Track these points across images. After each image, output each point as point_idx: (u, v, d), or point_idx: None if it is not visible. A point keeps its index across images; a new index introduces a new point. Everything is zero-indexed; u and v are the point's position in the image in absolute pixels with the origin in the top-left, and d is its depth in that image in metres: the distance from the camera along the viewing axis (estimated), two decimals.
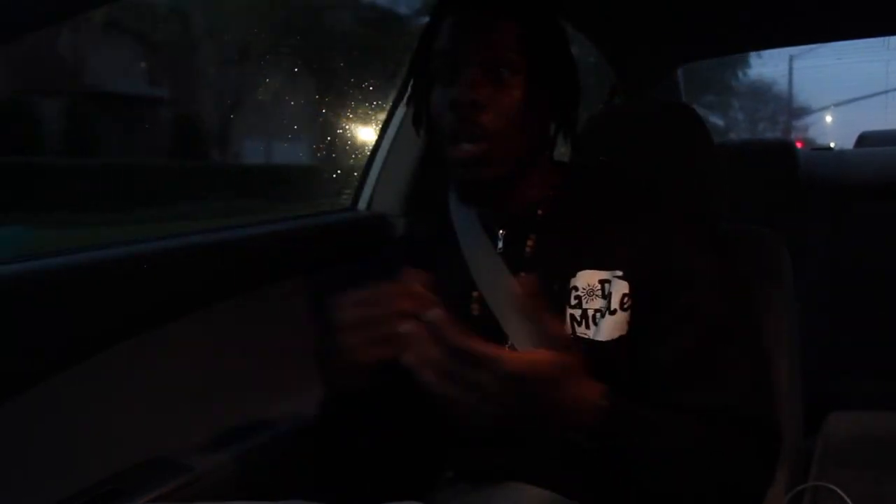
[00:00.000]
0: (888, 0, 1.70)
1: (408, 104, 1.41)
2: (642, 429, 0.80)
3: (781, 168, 2.14)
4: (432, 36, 0.92)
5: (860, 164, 2.42)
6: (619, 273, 0.87)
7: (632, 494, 0.82)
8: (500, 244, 0.94)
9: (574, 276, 0.89)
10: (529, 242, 0.93)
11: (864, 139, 6.03)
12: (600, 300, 0.87)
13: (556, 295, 0.88)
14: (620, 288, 0.87)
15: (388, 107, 1.56)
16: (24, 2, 0.71)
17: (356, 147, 1.96)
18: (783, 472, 0.96)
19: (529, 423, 0.75)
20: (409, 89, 1.00)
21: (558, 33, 0.93)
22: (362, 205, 1.53)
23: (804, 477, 1.07)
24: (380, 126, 1.56)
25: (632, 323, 0.86)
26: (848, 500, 0.98)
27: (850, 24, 2.00)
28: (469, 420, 0.73)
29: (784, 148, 2.20)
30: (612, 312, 0.86)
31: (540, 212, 0.94)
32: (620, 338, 0.86)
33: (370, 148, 1.58)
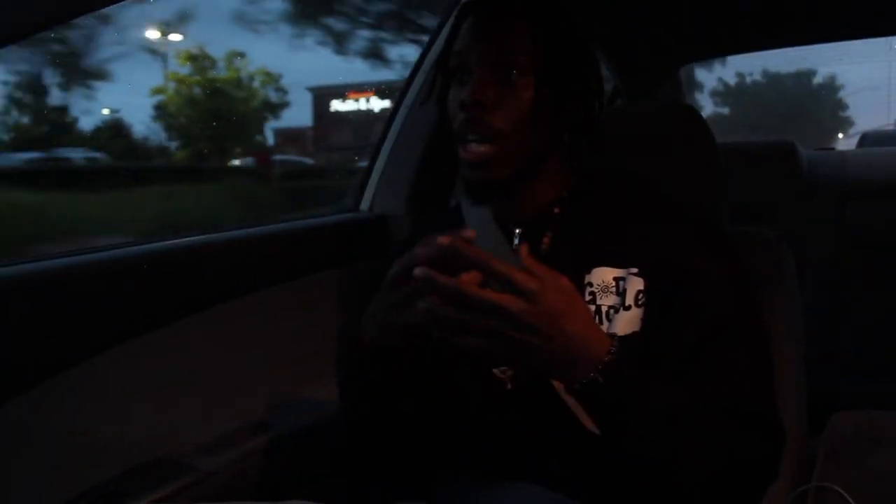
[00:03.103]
0: (890, 0, 1.70)
1: (420, 104, 1.42)
2: (646, 388, 0.79)
3: (784, 168, 2.14)
4: (453, 37, 0.93)
5: (862, 164, 2.41)
6: (635, 270, 0.87)
7: (632, 471, 0.81)
8: (517, 241, 0.94)
9: (589, 272, 0.89)
10: (545, 240, 0.93)
11: (866, 139, 6.02)
12: (614, 297, 0.88)
13: None
14: (635, 284, 0.87)
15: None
16: (26, 3, 0.71)
17: None
18: (786, 472, 0.96)
19: (543, 360, 0.76)
20: (425, 88, 1.01)
21: (575, 36, 0.93)
22: (364, 205, 1.53)
23: (807, 477, 1.07)
24: None
25: (645, 319, 0.87)
26: (851, 501, 0.98)
27: (853, 24, 1.99)
28: (488, 360, 0.78)
29: (787, 148, 2.20)
30: (627, 308, 0.87)
31: (556, 210, 0.94)
32: (634, 333, 0.86)
33: None
